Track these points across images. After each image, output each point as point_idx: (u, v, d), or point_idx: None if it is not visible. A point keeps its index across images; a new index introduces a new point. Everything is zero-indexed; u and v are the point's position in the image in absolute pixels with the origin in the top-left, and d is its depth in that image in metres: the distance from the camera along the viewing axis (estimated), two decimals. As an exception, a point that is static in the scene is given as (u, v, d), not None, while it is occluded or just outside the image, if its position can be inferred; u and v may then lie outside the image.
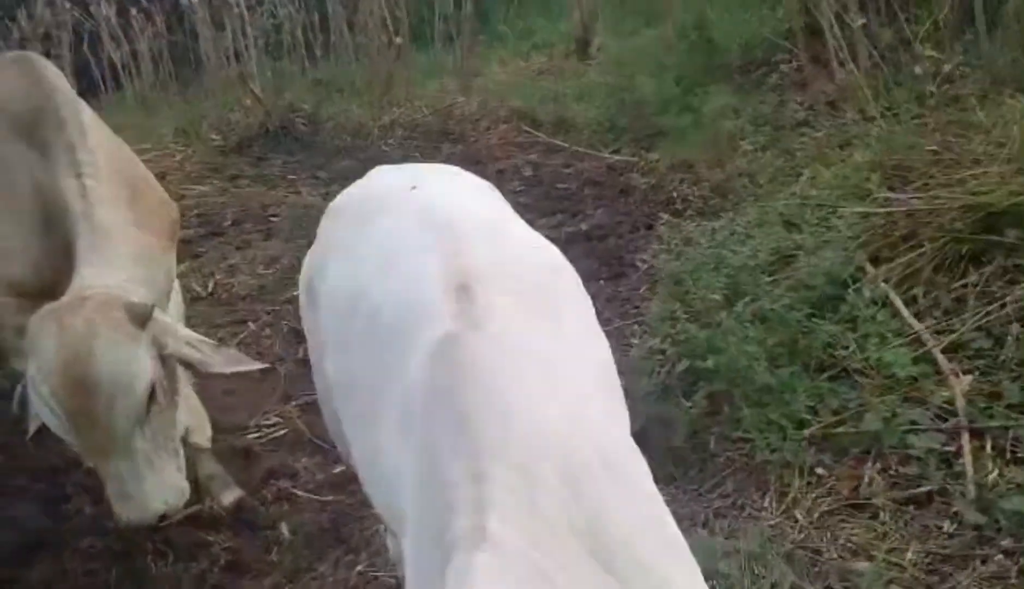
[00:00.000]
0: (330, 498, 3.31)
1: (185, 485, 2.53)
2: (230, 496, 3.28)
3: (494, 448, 1.31)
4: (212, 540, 3.13)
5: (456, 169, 2.26)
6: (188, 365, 2.53)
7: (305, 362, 4.15)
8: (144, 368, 2.35)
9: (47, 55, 7.06)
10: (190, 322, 4.66)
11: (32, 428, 2.46)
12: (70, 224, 2.64)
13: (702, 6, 7.48)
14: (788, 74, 6.18)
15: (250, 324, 4.62)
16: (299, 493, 3.34)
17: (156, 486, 2.40)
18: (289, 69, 8.33)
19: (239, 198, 6.35)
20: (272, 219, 5.97)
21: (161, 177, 6.80)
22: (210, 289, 5.08)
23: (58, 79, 2.91)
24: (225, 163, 7.01)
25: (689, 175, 5.44)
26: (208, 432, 3.25)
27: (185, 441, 2.78)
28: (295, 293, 4.80)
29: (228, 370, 2.48)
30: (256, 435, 3.73)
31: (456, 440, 1.33)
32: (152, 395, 2.37)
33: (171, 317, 2.97)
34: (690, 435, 3.11)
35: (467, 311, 1.49)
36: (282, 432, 3.73)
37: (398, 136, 7.19)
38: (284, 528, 3.18)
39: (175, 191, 6.55)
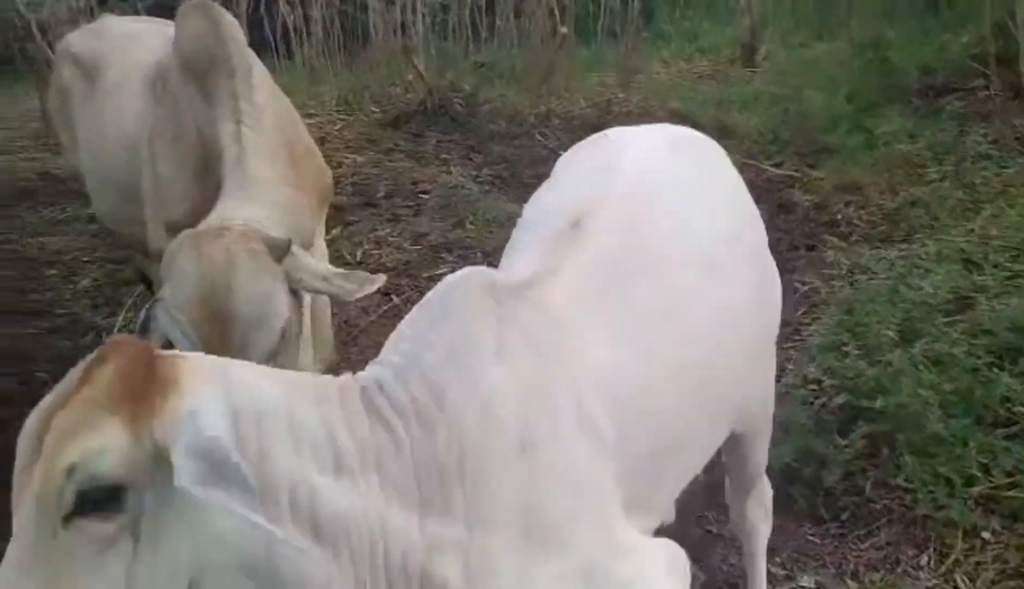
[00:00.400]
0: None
1: None
2: None
3: None
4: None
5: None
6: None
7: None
8: (281, 304, 2.30)
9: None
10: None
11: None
12: (223, 169, 2.64)
13: (881, 24, 7.13)
14: (972, 102, 5.82)
15: (393, 298, 4.63)
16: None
17: None
18: (452, 49, 8.34)
19: (392, 172, 6.40)
20: (422, 196, 5.99)
21: (320, 143, 6.95)
22: (358, 258, 5.14)
23: (234, 29, 2.94)
24: (382, 136, 7.08)
25: (857, 198, 5.17)
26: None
27: None
28: (440, 270, 4.86)
29: (361, 294, 2.39)
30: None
31: None
32: (283, 330, 2.32)
33: None
34: (843, 476, 2.93)
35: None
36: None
37: (553, 126, 7.11)
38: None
39: (332, 158, 6.68)
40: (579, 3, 8.70)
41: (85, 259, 5.42)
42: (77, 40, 3.76)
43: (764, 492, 2.41)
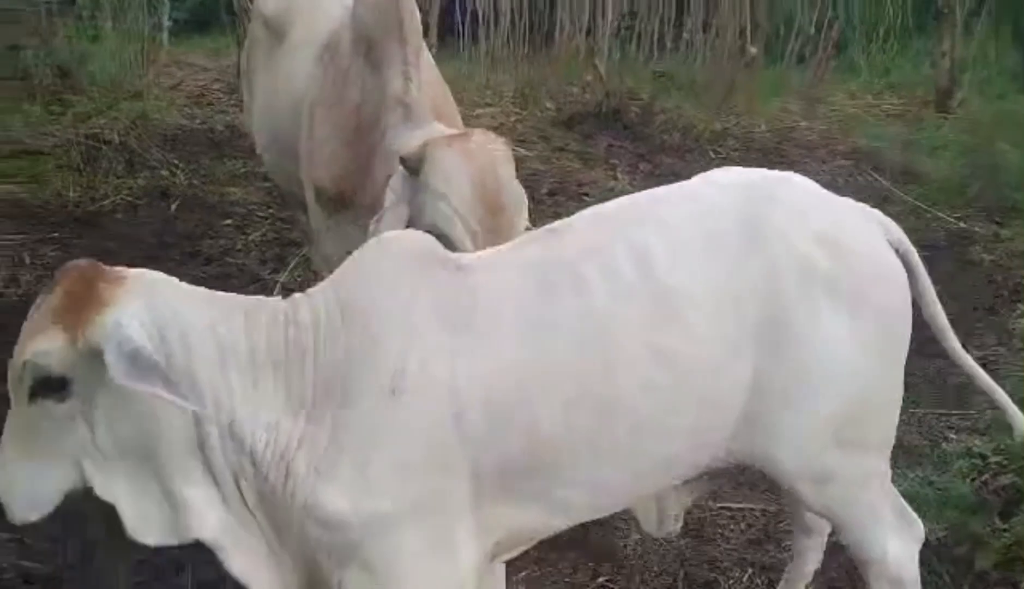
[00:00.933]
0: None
1: None
2: None
3: None
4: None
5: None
6: None
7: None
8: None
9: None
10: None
11: None
12: (385, 130, 2.73)
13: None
14: None
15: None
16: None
17: None
18: (635, 56, 8.27)
19: (559, 171, 6.41)
20: (586, 198, 5.95)
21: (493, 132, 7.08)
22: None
23: (411, 3, 2.97)
24: (553, 133, 7.10)
25: (1046, 263, 4.84)
26: None
27: None
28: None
29: None
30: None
31: None
32: None
33: None
34: (998, 562, 2.73)
35: None
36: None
37: (728, 146, 6.97)
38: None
39: (502, 149, 6.77)
40: (771, 23, 8.47)
41: (259, 214, 5.66)
42: (271, 1, 3.92)
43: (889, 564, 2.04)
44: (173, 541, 1.73)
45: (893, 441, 2.05)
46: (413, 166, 2.40)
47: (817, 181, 6.27)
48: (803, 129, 7.27)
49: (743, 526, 3.08)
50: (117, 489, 1.69)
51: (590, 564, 2.91)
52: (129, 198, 5.59)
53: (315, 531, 1.69)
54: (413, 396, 1.68)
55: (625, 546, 2.97)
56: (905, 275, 1.96)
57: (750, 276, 1.81)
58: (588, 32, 8.31)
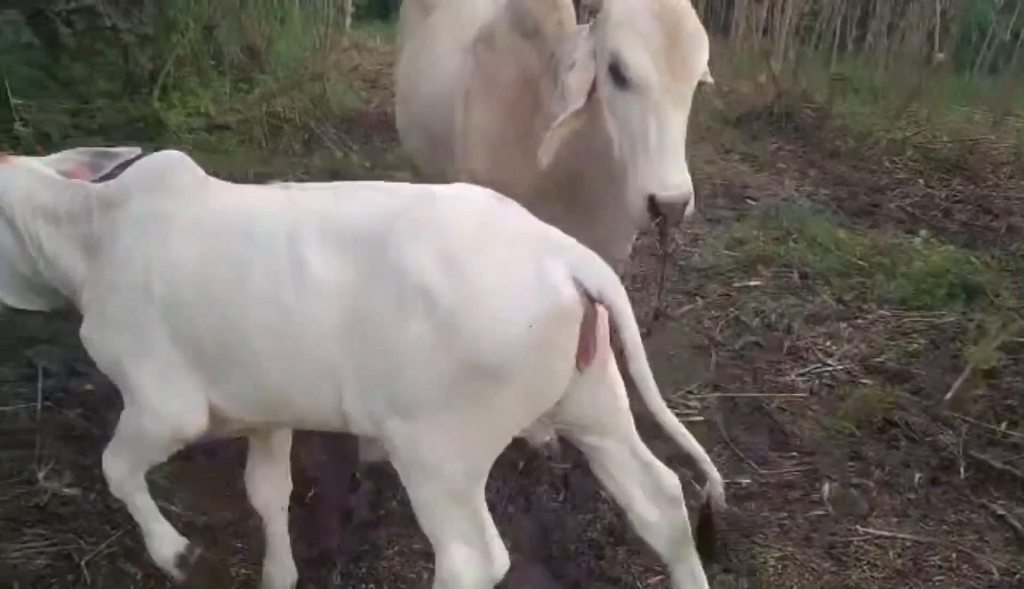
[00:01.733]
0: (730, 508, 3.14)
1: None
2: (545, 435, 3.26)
3: None
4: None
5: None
6: None
7: (742, 356, 4.08)
8: None
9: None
10: (643, 277, 4.77)
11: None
12: (540, 111, 2.68)
13: None
14: None
15: (698, 299, 4.56)
16: (696, 485, 3.20)
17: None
18: (812, 57, 8.01)
19: (723, 171, 6.29)
20: (749, 201, 5.83)
21: (658, 129, 7.00)
22: (670, 250, 5.09)
23: None
24: (720, 132, 6.97)
25: None
26: None
27: None
28: (751, 283, 4.72)
29: None
30: (674, 410, 3.63)
31: None
32: None
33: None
34: None
35: None
36: (699, 418, 3.62)
37: (906, 155, 6.64)
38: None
39: (666, 146, 6.68)
40: (962, 29, 8.00)
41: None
42: None
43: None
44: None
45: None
46: (594, 3, 2.41)
47: (1000, 197, 5.87)
48: (989, 143, 6.84)
49: (891, 555, 2.95)
50: None
51: (731, 578, 2.85)
52: (305, 175, 5.84)
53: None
54: (122, 267, 2.23)
55: (765, 562, 2.90)
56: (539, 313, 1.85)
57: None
58: (764, 31, 8.11)
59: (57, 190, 2.41)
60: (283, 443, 2.58)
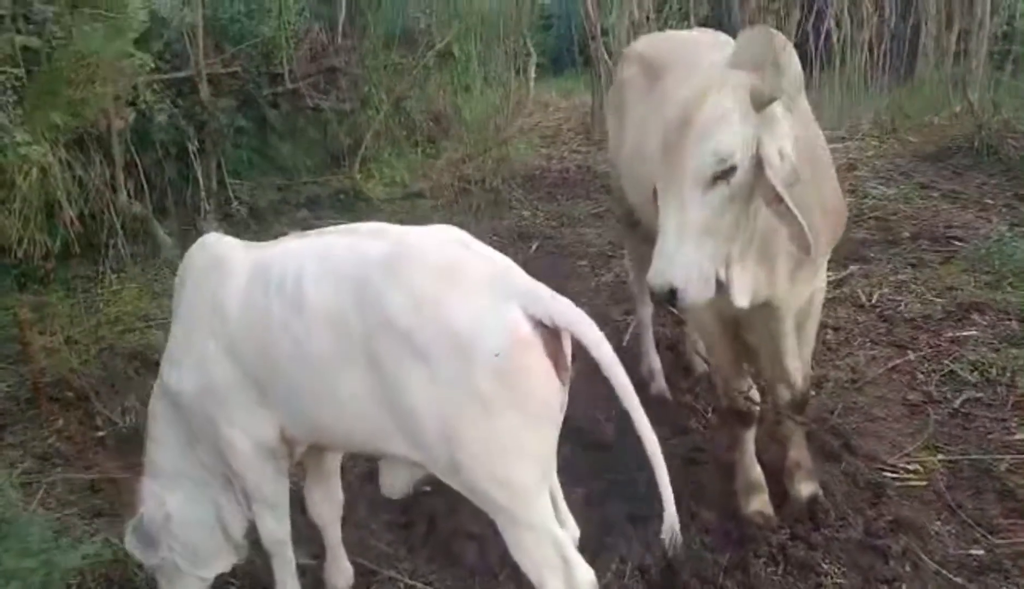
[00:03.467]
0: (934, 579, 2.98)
1: (709, 288, 2.46)
2: (807, 489, 3.25)
3: None
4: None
5: None
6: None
7: (962, 414, 3.87)
8: (734, 136, 2.35)
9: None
10: (846, 329, 4.62)
11: None
12: None
13: None
14: None
15: (909, 353, 4.35)
16: (925, 559, 3.06)
17: (680, 259, 2.38)
18: (1012, 84, 7.57)
19: (924, 210, 6.01)
20: (955, 242, 5.53)
21: (848, 169, 6.79)
22: (874, 300, 4.91)
23: (792, 51, 2.84)
24: (917, 168, 6.68)
25: None
26: (806, 372, 3.18)
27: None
28: (966, 332, 4.48)
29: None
30: (892, 475, 3.52)
31: None
32: (726, 175, 2.36)
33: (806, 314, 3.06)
34: None
35: None
36: (920, 483, 3.46)
37: None
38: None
39: (859, 187, 6.47)
40: None
41: (610, 254, 5.87)
42: (645, 43, 4.04)
43: None
44: None
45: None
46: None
47: None
48: None
49: None
50: None
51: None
52: (495, 238, 6.02)
53: None
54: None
55: None
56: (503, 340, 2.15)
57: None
58: (956, 57, 7.74)
59: None
60: (334, 462, 2.96)
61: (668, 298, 2.43)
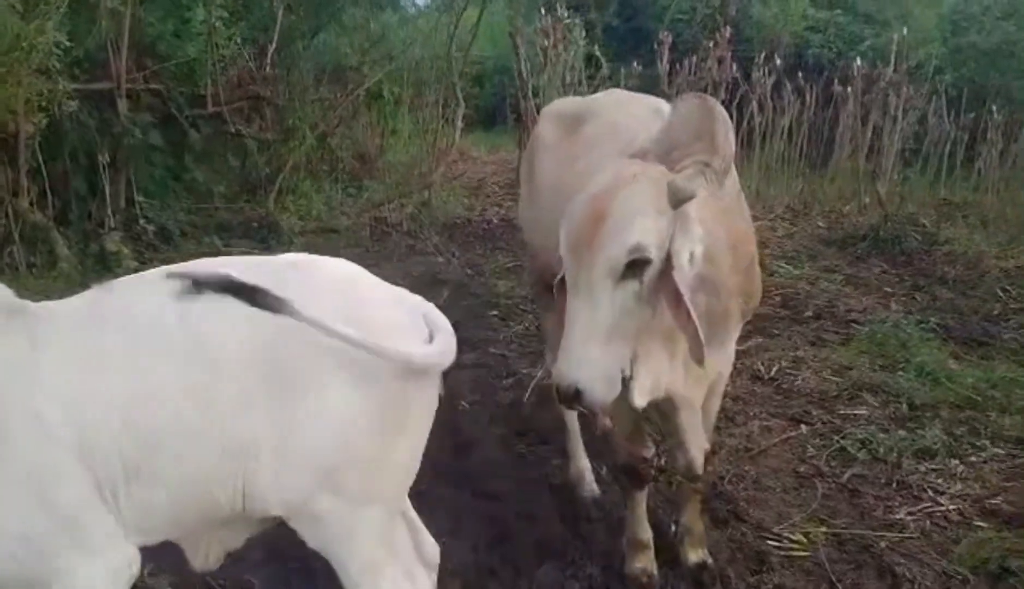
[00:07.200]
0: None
1: (615, 387, 2.37)
2: (695, 556, 3.23)
3: None
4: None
5: None
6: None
7: (848, 489, 3.93)
8: (647, 233, 2.29)
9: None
10: (744, 399, 4.67)
11: None
12: None
13: None
14: None
15: (802, 427, 4.42)
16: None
17: (586, 359, 2.31)
18: (919, 180, 7.91)
19: (827, 293, 6.18)
20: (854, 325, 5.69)
21: (761, 246, 6.94)
22: (772, 373, 4.99)
23: (727, 122, 2.84)
24: (823, 253, 6.88)
25: None
26: (703, 446, 3.11)
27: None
28: (857, 411, 4.58)
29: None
30: (776, 544, 3.53)
31: None
32: (639, 270, 2.30)
33: (711, 392, 3.03)
34: None
35: None
36: (803, 554, 3.47)
37: (1019, 284, 6.41)
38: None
39: (768, 265, 6.62)
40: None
41: (522, 307, 5.87)
42: (565, 102, 4.05)
43: None
44: None
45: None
46: None
47: None
48: (1112, 274, 6.58)
49: None
50: None
51: None
52: (405, 282, 5.93)
53: None
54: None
55: None
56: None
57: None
58: (870, 151, 8.06)
59: None
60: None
61: (573, 397, 2.34)
